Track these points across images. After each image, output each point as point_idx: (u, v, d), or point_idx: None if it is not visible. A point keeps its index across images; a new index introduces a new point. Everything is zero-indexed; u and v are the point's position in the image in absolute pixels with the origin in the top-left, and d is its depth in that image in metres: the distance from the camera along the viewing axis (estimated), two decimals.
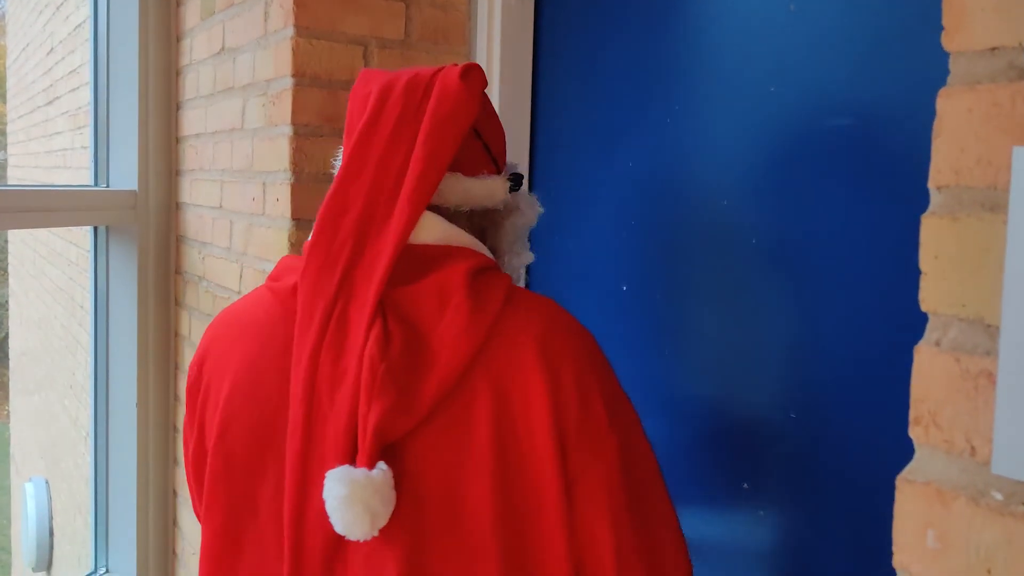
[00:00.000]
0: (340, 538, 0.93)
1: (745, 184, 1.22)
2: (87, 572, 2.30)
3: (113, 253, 2.20)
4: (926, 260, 0.60)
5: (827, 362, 1.12)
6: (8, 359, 7.97)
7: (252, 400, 1.02)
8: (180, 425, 2.17)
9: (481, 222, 1.09)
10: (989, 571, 0.55)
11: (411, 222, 0.98)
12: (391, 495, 0.90)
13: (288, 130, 1.59)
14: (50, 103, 4.56)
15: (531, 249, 1.62)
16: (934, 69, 0.67)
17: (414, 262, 0.98)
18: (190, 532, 2.13)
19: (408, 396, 0.92)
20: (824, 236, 1.12)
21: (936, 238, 0.59)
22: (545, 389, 0.92)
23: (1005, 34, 0.55)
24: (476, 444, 0.93)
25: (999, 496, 0.55)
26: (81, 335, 3.69)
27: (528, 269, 1.62)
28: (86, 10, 3.50)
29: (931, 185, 0.59)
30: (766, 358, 1.20)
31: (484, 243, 1.08)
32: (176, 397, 2.22)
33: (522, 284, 1.60)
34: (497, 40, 1.61)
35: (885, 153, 1.04)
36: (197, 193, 2.09)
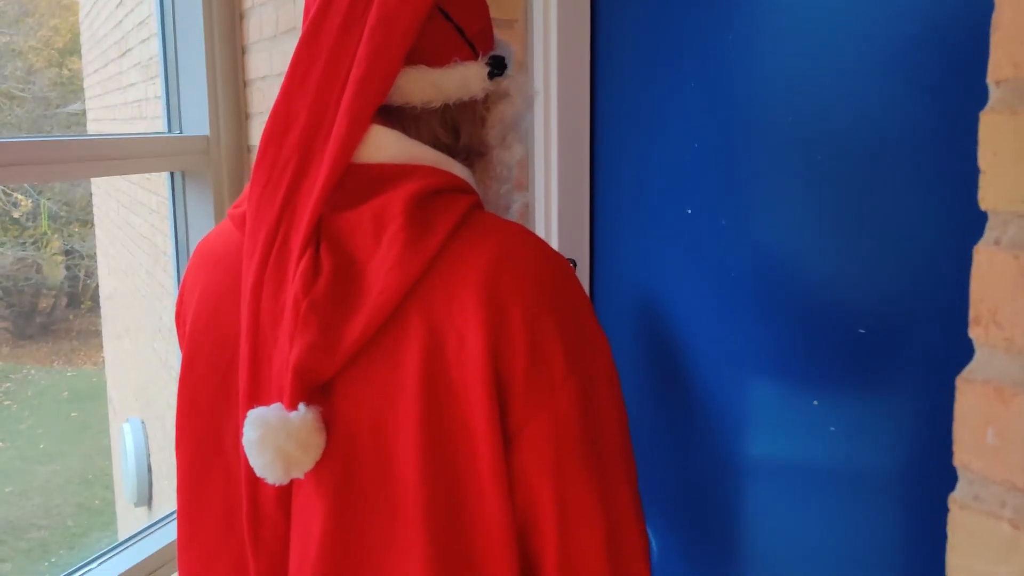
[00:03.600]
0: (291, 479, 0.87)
1: (808, 99, 1.20)
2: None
3: (190, 197, 2.27)
4: (985, 158, 0.59)
5: (892, 275, 1.11)
6: (100, 307, 8.31)
7: (212, 335, 0.96)
8: None
9: (456, 117, 0.94)
10: None
11: (351, 137, 0.86)
12: (312, 438, 0.83)
13: None
14: (122, 55, 4.65)
15: (595, 174, 1.62)
16: None
17: (361, 184, 0.87)
18: None
19: (332, 334, 0.83)
20: (886, 148, 1.10)
21: (995, 134, 0.58)
22: (483, 332, 0.81)
23: None
24: (404, 390, 0.83)
25: None
26: (165, 280, 3.82)
27: (593, 194, 1.63)
28: None
29: (989, 80, 0.58)
30: (831, 276, 1.19)
31: (459, 142, 0.96)
32: None
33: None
34: None
35: (945, 53, 1.01)
36: None
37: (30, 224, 14.63)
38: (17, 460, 10.89)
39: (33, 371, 13.77)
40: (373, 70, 0.86)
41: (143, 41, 3.98)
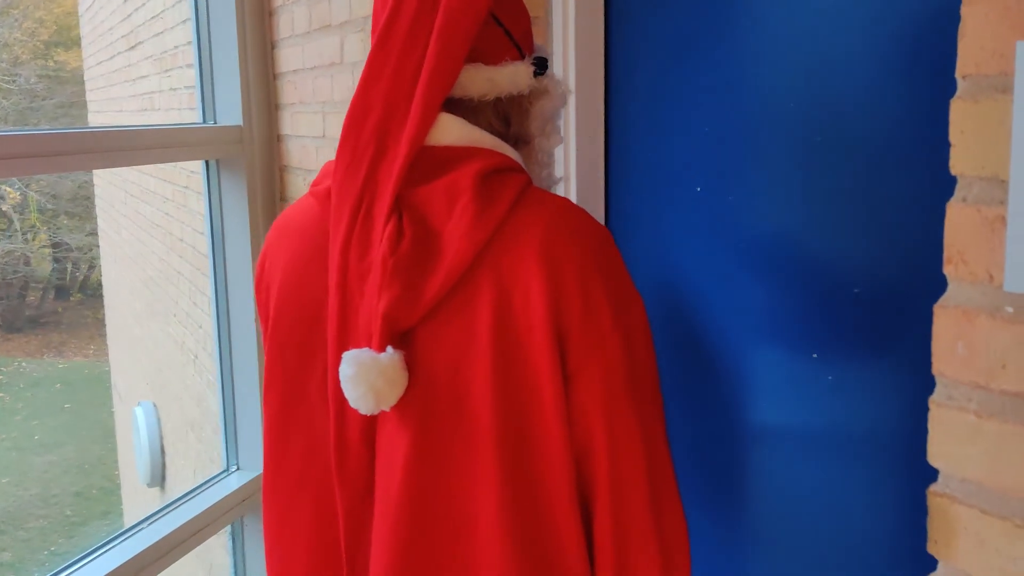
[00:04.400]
0: (375, 415, 1.01)
1: (807, 86, 1.34)
2: (219, 471, 2.58)
3: (224, 183, 2.42)
4: (954, 135, 0.76)
5: (881, 239, 1.25)
6: (102, 298, 8.37)
7: (298, 294, 1.10)
8: None
9: (507, 109, 1.10)
10: (1004, 367, 0.73)
11: (424, 124, 1.01)
12: (398, 376, 0.97)
13: None
14: (131, 48, 4.77)
15: (609, 154, 1.77)
16: None
17: (432, 163, 1.01)
18: None
19: (414, 289, 0.97)
20: (874, 130, 1.24)
21: (961, 116, 0.75)
22: (544, 288, 0.96)
23: None
24: (477, 338, 0.97)
25: (1010, 309, 0.73)
26: (181, 266, 3.95)
27: (608, 175, 1.78)
28: None
29: (957, 75, 0.76)
30: (828, 243, 1.33)
31: (510, 129, 1.11)
32: None
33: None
34: None
35: (923, 50, 1.18)
36: (298, 125, 2.29)
37: (18, 216, 14.63)
38: (13, 451, 10.96)
39: (24, 364, 13.80)
40: (442, 66, 1.01)
41: (156, 35, 4.10)
